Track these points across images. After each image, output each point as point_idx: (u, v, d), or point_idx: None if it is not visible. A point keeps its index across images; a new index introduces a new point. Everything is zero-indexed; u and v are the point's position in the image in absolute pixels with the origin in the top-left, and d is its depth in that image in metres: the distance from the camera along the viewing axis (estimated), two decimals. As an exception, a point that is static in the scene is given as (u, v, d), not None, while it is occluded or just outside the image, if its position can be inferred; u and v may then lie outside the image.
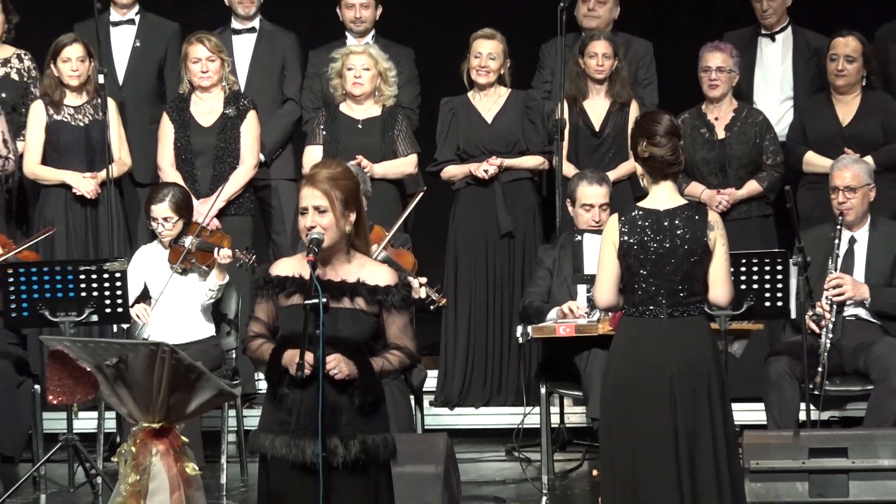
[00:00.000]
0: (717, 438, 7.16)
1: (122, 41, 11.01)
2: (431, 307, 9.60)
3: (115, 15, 11.00)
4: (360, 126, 10.45)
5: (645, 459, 7.14)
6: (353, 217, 6.64)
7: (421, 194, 9.82)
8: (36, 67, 10.70)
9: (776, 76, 10.96)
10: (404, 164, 10.48)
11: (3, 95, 10.62)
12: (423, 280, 9.46)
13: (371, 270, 6.70)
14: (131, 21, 11.05)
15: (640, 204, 7.29)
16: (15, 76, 10.74)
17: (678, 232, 7.19)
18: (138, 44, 11.01)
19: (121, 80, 10.93)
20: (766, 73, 10.96)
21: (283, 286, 6.68)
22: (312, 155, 10.28)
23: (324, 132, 10.43)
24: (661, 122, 7.26)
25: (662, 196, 7.26)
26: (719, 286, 7.24)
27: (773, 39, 10.97)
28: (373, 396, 6.64)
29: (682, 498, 7.11)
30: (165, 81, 10.98)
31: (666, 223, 7.20)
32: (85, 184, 10.39)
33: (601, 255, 7.30)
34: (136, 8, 11.04)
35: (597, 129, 10.55)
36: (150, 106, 10.89)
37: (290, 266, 6.72)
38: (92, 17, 10.41)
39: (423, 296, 9.41)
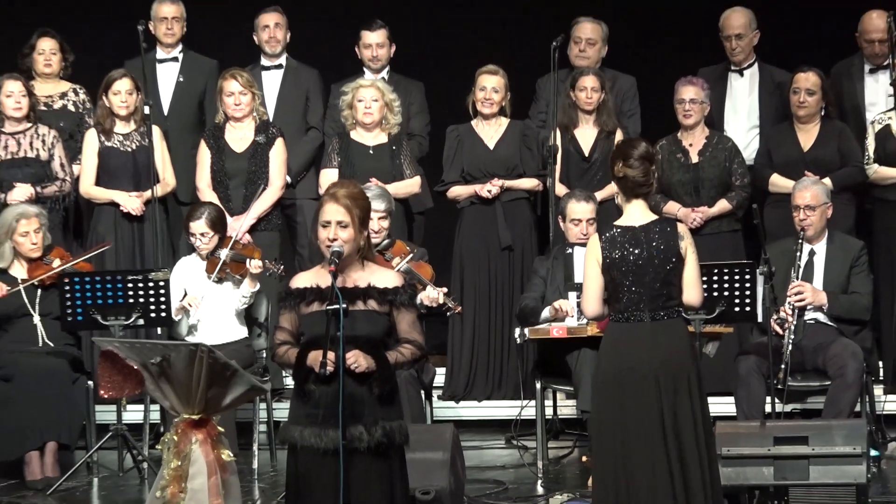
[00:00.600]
0: (698, 426, 7.18)
1: (168, 76, 11.03)
2: (448, 313, 9.66)
3: (160, 53, 11.03)
4: (371, 151, 10.43)
5: (637, 447, 7.15)
6: (366, 233, 6.73)
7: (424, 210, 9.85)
8: (90, 100, 10.71)
9: (744, 107, 10.92)
10: (411, 185, 10.48)
11: (62, 124, 10.64)
12: (444, 290, 9.52)
13: (380, 275, 6.77)
14: (175, 59, 11.06)
15: (617, 223, 7.31)
16: (71, 108, 10.78)
17: (654, 244, 7.22)
18: (181, 79, 11.03)
19: (166, 110, 10.96)
20: (736, 104, 10.92)
21: (303, 296, 6.74)
22: (328, 177, 10.24)
23: (338, 157, 10.41)
24: (637, 147, 7.29)
25: (636, 214, 7.30)
26: (692, 288, 7.28)
27: (742, 74, 10.93)
28: (390, 386, 6.70)
29: (673, 480, 7.11)
30: (205, 112, 10.97)
31: (643, 237, 7.22)
32: (131, 202, 10.40)
33: (586, 271, 7.33)
34: (180, 47, 11.04)
35: (586, 154, 10.54)
36: (192, 133, 10.88)
37: (308, 278, 6.79)
38: (139, 55, 10.45)
39: (442, 302, 9.44)
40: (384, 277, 6.78)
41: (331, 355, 6.58)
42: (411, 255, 9.58)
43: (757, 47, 10.94)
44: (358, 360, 6.62)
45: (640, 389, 7.18)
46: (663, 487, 7.12)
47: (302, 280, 6.82)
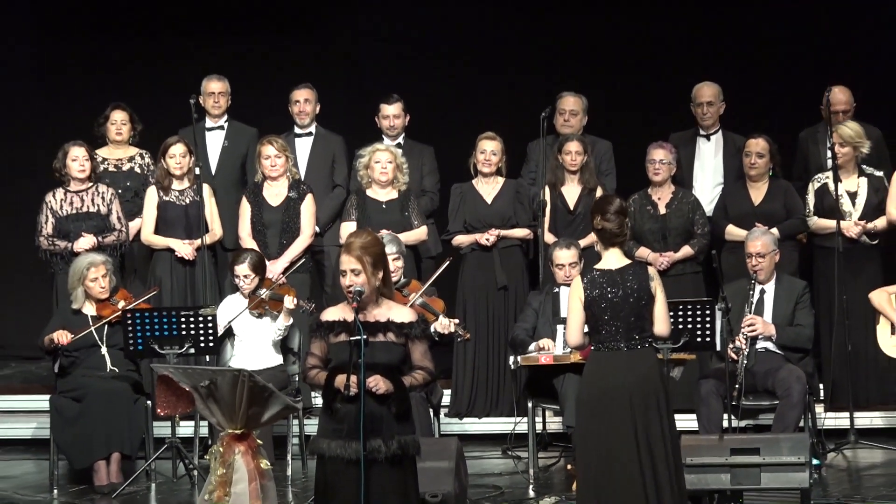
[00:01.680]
0: (666, 439, 7.19)
1: (215, 142, 11.03)
2: (458, 339, 9.67)
3: (209, 122, 11.02)
4: (384, 206, 10.43)
5: (615, 457, 7.15)
6: (381, 274, 6.72)
7: (448, 261, 9.80)
8: (153, 163, 10.70)
9: (710, 167, 10.86)
10: (419, 234, 10.48)
11: (129, 183, 10.66)
12: (456, 320, 9.53)
13: (397, 311, 6.78)
14: (221, 127, 11.05)
15: (597, 266, 7.33)
16: (137, 169, 10.78)
17: (628, 284, 7.24)
18: (226, 144, 11.02)
19: (213, 170, 10.95)
20: (703, 164, 10.87)
21: (331, 328, 6.75)
22: (347, 229, 10.21)
23: (356, 211, 10.40)
24: (612, 203, 7.33)
25: (612, 259, 7.32)
26: (661, 322, 7.30)
27: (709, 139, 10.88)
28: (405, 405, 6.71)
29: (645, 485, 7.10)
30: (246, 172, 10.96)
31: (619, 279, 7.25)
32: (185, 249, 10.39)
33: (570, 307, 7.34)
34: (225, 117, 11.04)
35: (571, 208, 10.50)
36: (235, 190, 10.86)
37: (335, 313, 6.81)
38: (191, 124, 10.52)
39: (453, 330, 9.45)
40: (401, 313, 6.79)
41: (354, 379, 6.58)
42: (424, 290, 9.58)
43: (722, 116, 10.91)
44: (378, 383, 6.63)
45: (617, 408, 7.18)
46: (637, 491, 7.11)
47: (331, 314, 6.83)
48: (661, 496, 7.13)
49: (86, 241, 10.26)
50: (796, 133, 10.82)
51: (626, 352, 7.22)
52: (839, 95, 10.53)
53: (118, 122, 10.77)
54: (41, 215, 10.38)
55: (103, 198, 10.39)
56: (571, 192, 10.55)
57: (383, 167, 10.41)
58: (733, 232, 10.39)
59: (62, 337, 9.63)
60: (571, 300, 7.33)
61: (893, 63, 11.70)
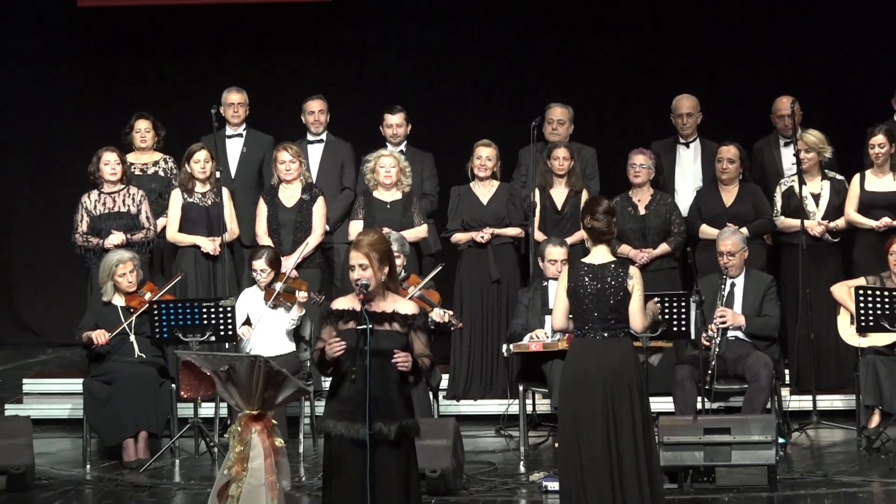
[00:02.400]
0: (636, 422, 7.13)
1: (234, 148, 10.97)
2: (452, 328, 9.66)
3: (229, 130, 10.96)
4: (388, 206, 10.39)
5: (588, 433, 7.12)
6: (387, 269, 6.68)
7: (441, 267, 9.81)
8: (176, 167, 10.67)
9: (690, 172, 10.80)
10: (420, 232, 10.42)
11: (153, 186, 10.59)
12: (450, 312, 9.54)
13: (401, 304, 6.73)
14: (240, 135, 11.00)
15: (583, 260, 7.31)
16: (161, 173, 10.72)
17: (608, 280, 7.20)
18: (245, 150, 10.97)
19: (233, 174, 10.88)
20: (684, 170, 10.80)
21: (340, 316, 6.71)
22: (355, 227, 10.22)
23: (362, 211, 10.38)
24: (601, 204, 7.31)
25: (599, 255, 7.29)
26: (635, 317, 7.25)
27: (688, 146, 10.81)
28: (411, 388, 6.67)
29: (611, 461, 7.08)
30: (263, 175, 10.93)
31: (600, 274, 7.22)
32: (208, 245, 10.35)
33: (557, 294, 7.33)
34: (244, 126, 11.00)
35: (559, 208, 10.45)
36: (254, 192, 10.80)
37: (344, 303, 6.76)
38: (212, 132, 10.48)
39: (447, 320, 9.44)
40: (405, 306, 6.74)
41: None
42: (422, 284, 9.54)
43: (699, 126, 10.88)
44: (407, 359, 6.58)
45: (592, 390, 7.14)
46: (609, 465, 7.08)
47: (340, 303, 6.78)
48: (623, 470, 7.08)
49: (115, 237, 10.22)
50: (750, 141, 10.77)
51: (604, 339, 7.17)
52: (784, 102, 10.59)
53: (142, 129, 10.71)
54: (77, 215, 10.35)
55: (133, 199, 10.34)
56: (559, 194, 10.51)
57: (387, 171, 10.39)
58: (707, 231, 10.33)
59: (100, 337, 9.62)
60: (558, 289, 7.32)
61: (840, 74, 11.78)
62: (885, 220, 10.03)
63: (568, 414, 7.21)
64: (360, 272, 6.66)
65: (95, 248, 10.25)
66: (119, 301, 9.81)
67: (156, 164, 10.77)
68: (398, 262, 9.45)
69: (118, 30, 12.46)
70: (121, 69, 12.40)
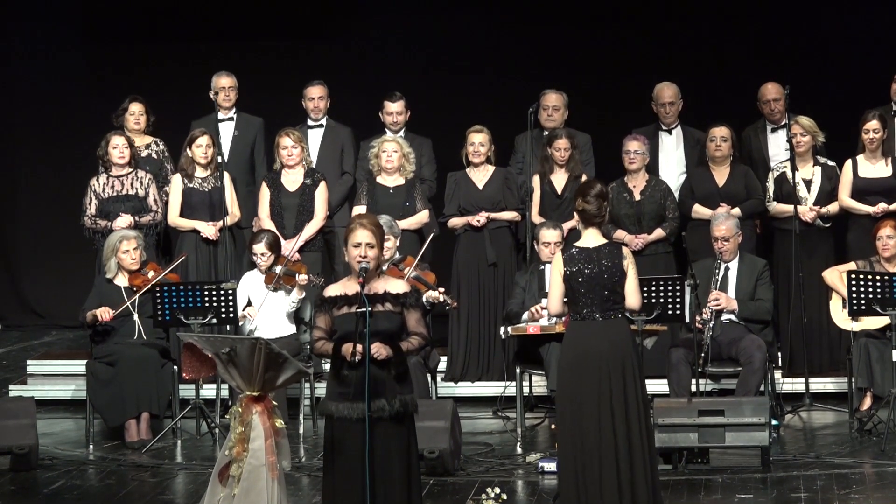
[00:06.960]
0: (638, 400, 7.10)
1: (226, 132, 10.86)
2: (447, 307, 9.62)
3: (220, 115, 10.80)
4: (391, 191, 10.34)
5: (588, 415, 7.07)
6: (379, 252, 6.70)
7: (434, 234, 9.85)
8: (167, 150, 10.63)
9: (673, 158, 10.74)
10: (421, 217, 10.37)
11: (146, 168, 10.47)
12: (443, 290, 9.50)
13: (392, 284, 6.73)
14: (231, 118, 10.89)
15: (576, 244, 7.25)
16: (154, 156, 10.64)
17: (603, 262, 7.16)
18: (236, 133, 10.88)
19: (226, 157, 10.70)
20: (667, 156, 10.75)
21: (334, 303, 6.70)
22: (359, 211, 10.16)
23: (366, 196, 10.33)
24: (594, 187, 7.25)
25: (591, 238, 7.24)
26: (632, 296, 7.20)
27: (670, 133, 10.75)
28: (403, 367, 6.66)
29: (616, 441, 7.02)
30: (255, 158, 10.87)
31: (595, 256, 7.16)
32: (208, 229, 10.29)
33: (551, 280, 7.27)
34: (234, 109, 10.90)
35: (559, 193, 10.39)
36: (246, 175, 10.75)
37: (337, 288, 6.75)
38: (205, 115, 10.39)
39: (442, 300, 9.41)
40: (396, 285, 6.73)
41: (359, 347, 6.54)
42: (416, 264, 9.54)
43: (680, 114, 10.84)
44: (379, 350, 6.58)
45: (591, 371, 7.09)
46: (608, 445, 7.04)
47: (332, 290, 6.77)
48: (632, 451, 7.05)
49: (123, 220, 10.17)
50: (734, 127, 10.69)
51: (601, 321, 7.13)
52: (770, 88, 10.58)
53: (136, 112, 10.64)
54: (86, 197, 10.30)
55: (141, 182, 10.30)
56: (559, 178, 10.46)
57: (389, 156, 10.34)
58: (699, 211, 10.29)
59: (105, 314, 9.57)
60: (553, 274, 7.26)
61: (825, 62, 11.76)
62: (882, 206, 9.99)
63: (567, 395, 7.16)
64: (366, 250, 6.65)
65: (103, 231, 10.19)
66: (122, 281, 9.76)
67: (148, 147, 10.68)
68: (388, 244, 9.40)
69: (124, 18, 12.39)
70: (123, 54, 12.37)
